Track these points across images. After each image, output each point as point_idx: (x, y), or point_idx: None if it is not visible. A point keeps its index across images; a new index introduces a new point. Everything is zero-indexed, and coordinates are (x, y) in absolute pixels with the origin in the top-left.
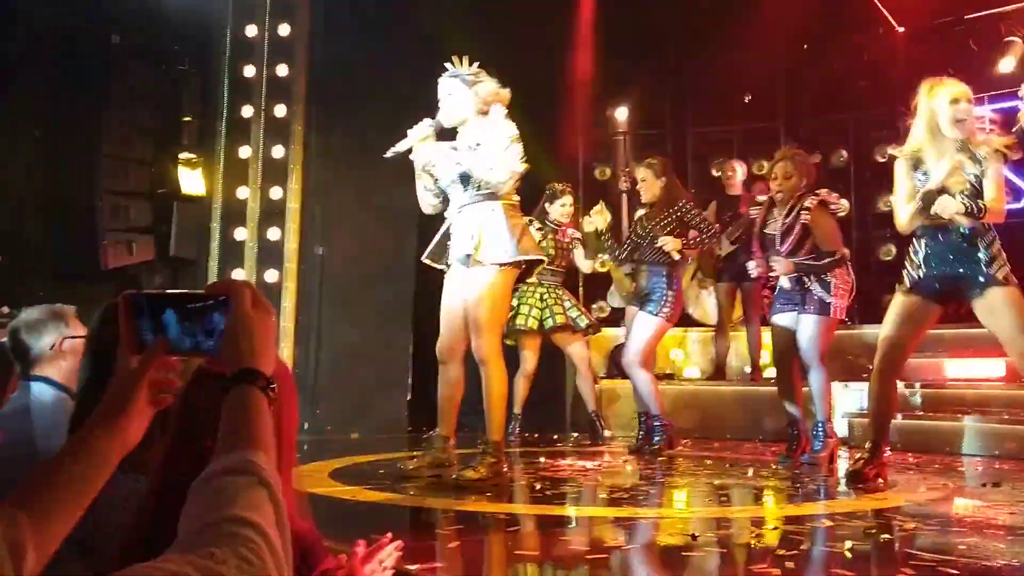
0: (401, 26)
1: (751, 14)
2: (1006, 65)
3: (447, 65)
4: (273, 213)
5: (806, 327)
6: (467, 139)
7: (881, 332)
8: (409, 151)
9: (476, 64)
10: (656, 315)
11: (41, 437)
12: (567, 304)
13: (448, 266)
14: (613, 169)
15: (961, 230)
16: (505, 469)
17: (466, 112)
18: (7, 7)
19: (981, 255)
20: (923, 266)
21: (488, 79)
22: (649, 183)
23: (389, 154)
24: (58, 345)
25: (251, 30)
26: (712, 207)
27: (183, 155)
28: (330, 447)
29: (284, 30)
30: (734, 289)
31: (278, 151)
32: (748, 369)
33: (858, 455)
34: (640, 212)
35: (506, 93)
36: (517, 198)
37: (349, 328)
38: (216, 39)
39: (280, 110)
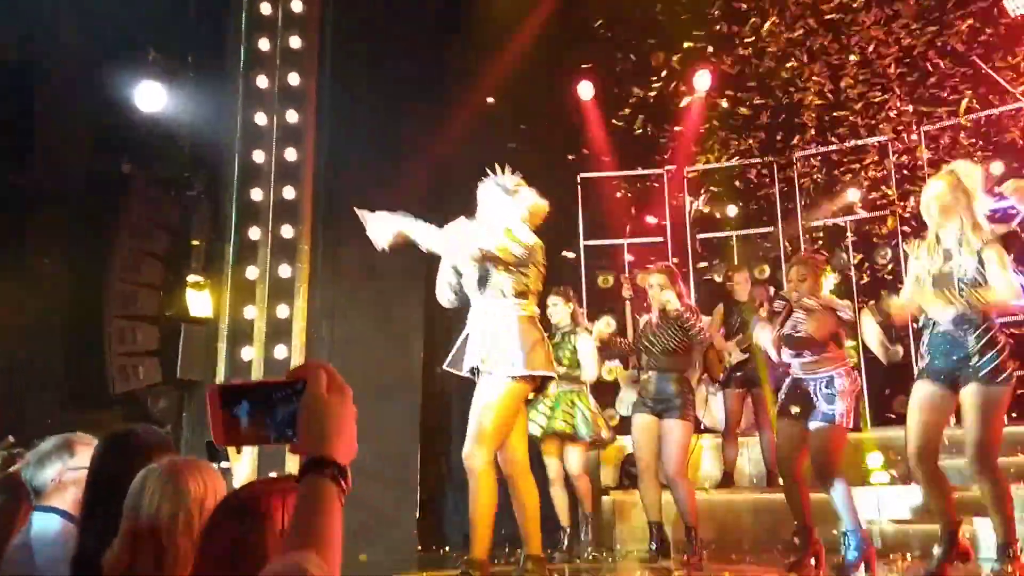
0: (408, 149)
1: None
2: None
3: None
4: (280, 332)
5: (815, 438)
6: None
7: (908, 419)
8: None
9: (518, 174)
10: (685, 419)
11: (44, 569)
12: (578, 412)
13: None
14: (616, 276)
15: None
16: None
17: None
18: (27, 142)
19: (969, 346)
20: (927, 355)
21: (528, 190)
22: (665, 289)
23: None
24: (58, 478)
25: (259, 155)
26: (719, 311)
27: (191, 278)
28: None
29: (291, 154)
30: (743, 396)
31: (285, 271)
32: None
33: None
34: (644, 319)
35: (543, 204)
36: (537, 311)
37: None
38: (225, 165)
39: (287, 231)
